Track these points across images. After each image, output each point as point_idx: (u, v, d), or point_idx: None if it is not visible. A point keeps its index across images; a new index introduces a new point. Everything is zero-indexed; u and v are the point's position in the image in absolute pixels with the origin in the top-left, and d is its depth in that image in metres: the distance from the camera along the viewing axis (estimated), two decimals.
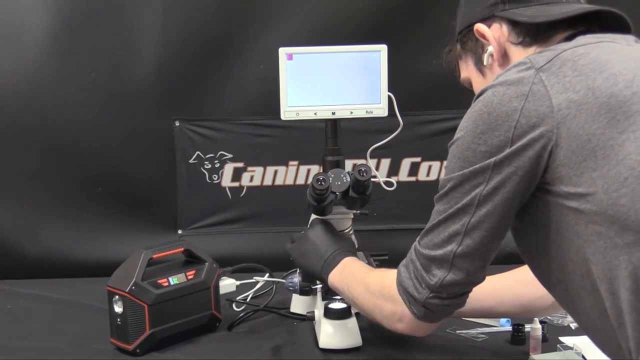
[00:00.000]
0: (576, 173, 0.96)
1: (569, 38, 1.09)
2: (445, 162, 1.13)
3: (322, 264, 1.45)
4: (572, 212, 0.97)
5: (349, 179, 1.55)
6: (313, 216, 1.63)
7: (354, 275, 1.37)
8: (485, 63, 1.18)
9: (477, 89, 1.23)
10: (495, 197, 1.02)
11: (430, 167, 2.21)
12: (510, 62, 1.14)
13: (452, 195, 1.05)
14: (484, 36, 1.16)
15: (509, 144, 0.99)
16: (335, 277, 1.41)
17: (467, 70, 1.25)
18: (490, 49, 1.16)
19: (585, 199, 0.95)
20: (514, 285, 1.40)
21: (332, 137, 1.65)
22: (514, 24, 1.13)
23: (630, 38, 1.09)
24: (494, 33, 1.15)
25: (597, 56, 1.00)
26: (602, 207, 0.94)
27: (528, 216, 1.05)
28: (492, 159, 1.01)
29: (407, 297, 1.14)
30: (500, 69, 1.15)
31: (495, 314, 1.50)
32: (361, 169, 1.52)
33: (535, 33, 1.12)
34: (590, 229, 0.96)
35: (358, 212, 1.61)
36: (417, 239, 1.13)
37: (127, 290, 1.50)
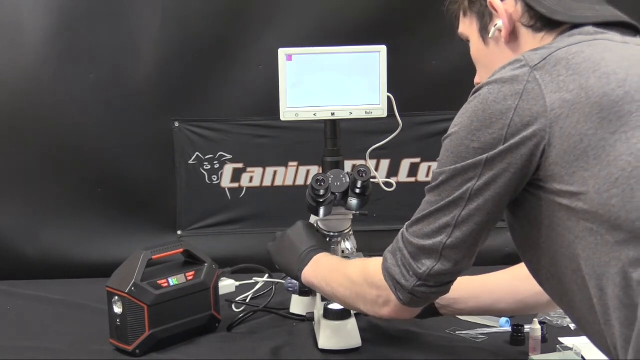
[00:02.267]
0: (568, 172, 0.97)
1: (575, 27, 1.08)
2: None
3: (295, 261, 1.43)
4: (564, 209, 0.98)
5: (348, 180, 1.54)
6: (313, 217, 1.63)
7: (332, 268, 1.36)
8: (490, 35, 1.17)
9: (474, 52, 1.23)
10: (486, 192, 1.03)
11: (429, 167, 2.21)
12: (517, 42, 1.14)
13: (444, 187, 1.06)
14: (496, 10, 1.14)
15: (502, 142, 1.00)
16: (310, 273, 1.40)
17: (469, 30, 1.23)
18: (499, 23, 1.14)
19: (577, 198, 0.96)
20: (511, 282, 1.41)
21: (331, 138, 1.65)
22: (529, 7, 1.12)
23: (629, 34, 1.09)
24: (507, 7, 1.13)
25: (591, 55, 1.00)
26: (594, 206, 0.95)
27: (521, 211, 1.06)
28: (485, 155, 1.01)
29: (394, 284, 1.14)
30: (507, 46, 1.15)
31: (494, 312, 1.50)
32: (360, 170, 1.52)
33: (548, 21, 1.11)
34: (582, 226, 0.97)
35: (357, 212, 1.61)
36: (405, 226, 1.13)
37: (126, 291, 1.50)
